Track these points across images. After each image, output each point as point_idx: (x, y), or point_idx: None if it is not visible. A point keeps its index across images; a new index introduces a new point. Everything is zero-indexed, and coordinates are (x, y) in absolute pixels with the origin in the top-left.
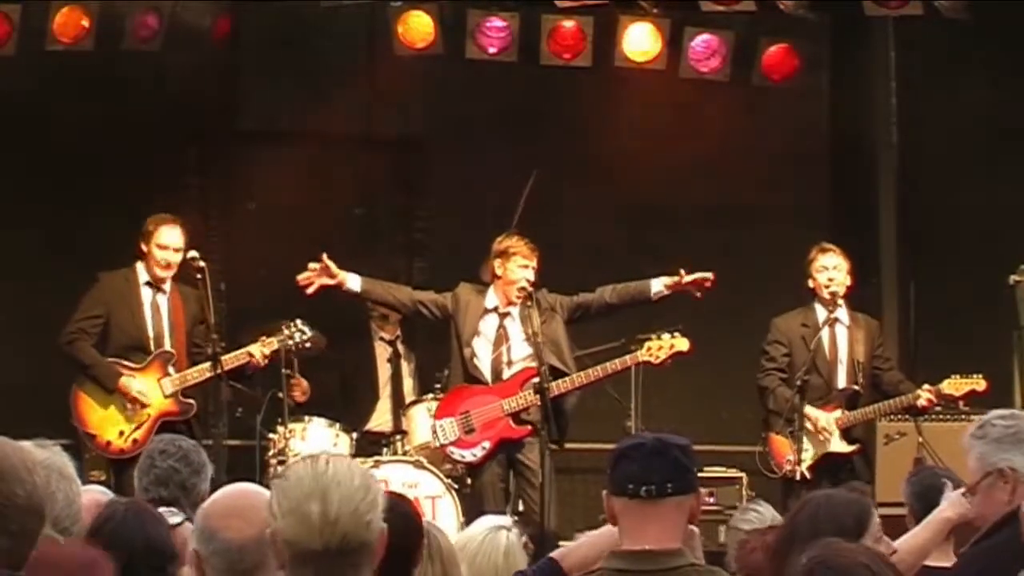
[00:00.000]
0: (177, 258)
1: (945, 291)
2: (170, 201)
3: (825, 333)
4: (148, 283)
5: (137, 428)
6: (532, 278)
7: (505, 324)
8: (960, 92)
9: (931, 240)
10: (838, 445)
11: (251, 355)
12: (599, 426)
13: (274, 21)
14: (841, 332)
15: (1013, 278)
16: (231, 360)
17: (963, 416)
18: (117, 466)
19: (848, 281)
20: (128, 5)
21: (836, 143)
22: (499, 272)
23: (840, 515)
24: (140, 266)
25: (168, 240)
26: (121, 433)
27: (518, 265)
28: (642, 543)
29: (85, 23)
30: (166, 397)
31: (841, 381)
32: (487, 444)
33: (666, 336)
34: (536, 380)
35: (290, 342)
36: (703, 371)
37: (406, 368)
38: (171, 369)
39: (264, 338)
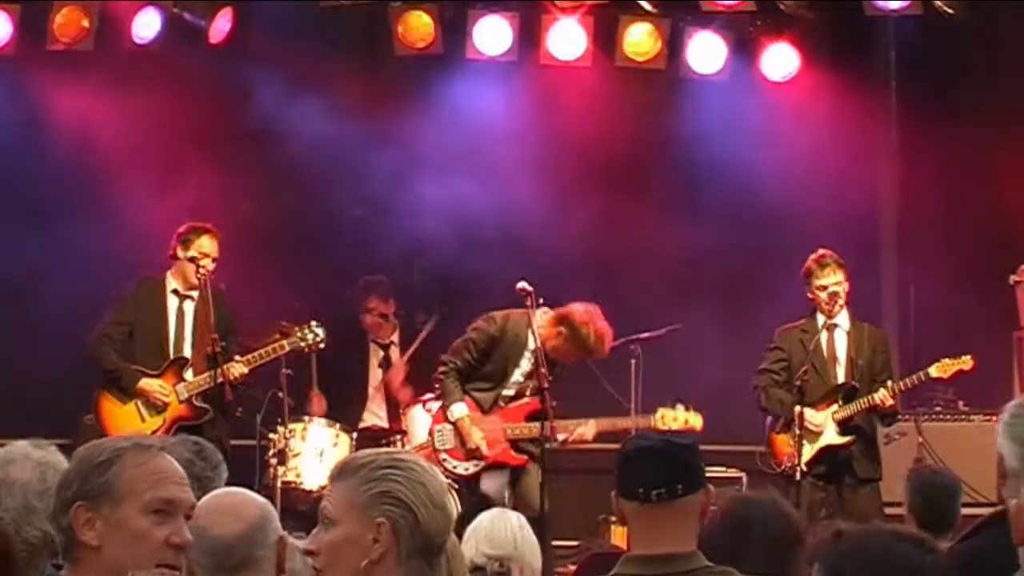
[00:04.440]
0: (213, 267)
1: (945, 292)
2: (169, 200)
3: (824, 336)
4: (175, 291)
5: (152, 433)
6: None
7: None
8: (960, 92)
9: (931, 240)
10: (833, 438)
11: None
12: None
13: (274, 21)
14: (839, 335)
15: (1013, 278)
16: (241, 365)
17: (963, 416)
18: None
19: (846, 286)
20: (128, 5)
21: (836, 143)
22: (562, 333)
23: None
24: (169, 274)
25: (209, 249)
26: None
27: (578, 348)
28: (656, 547)
29: (85, 23)
30: (180, 402)
31: (840, 379)
32: (480, 462)
33: (680, 408)
34: (538, 418)
35: (302, 344)
36: (703, 371)
37: (398, 375)
38: (187, 375)
39: (252, 354)
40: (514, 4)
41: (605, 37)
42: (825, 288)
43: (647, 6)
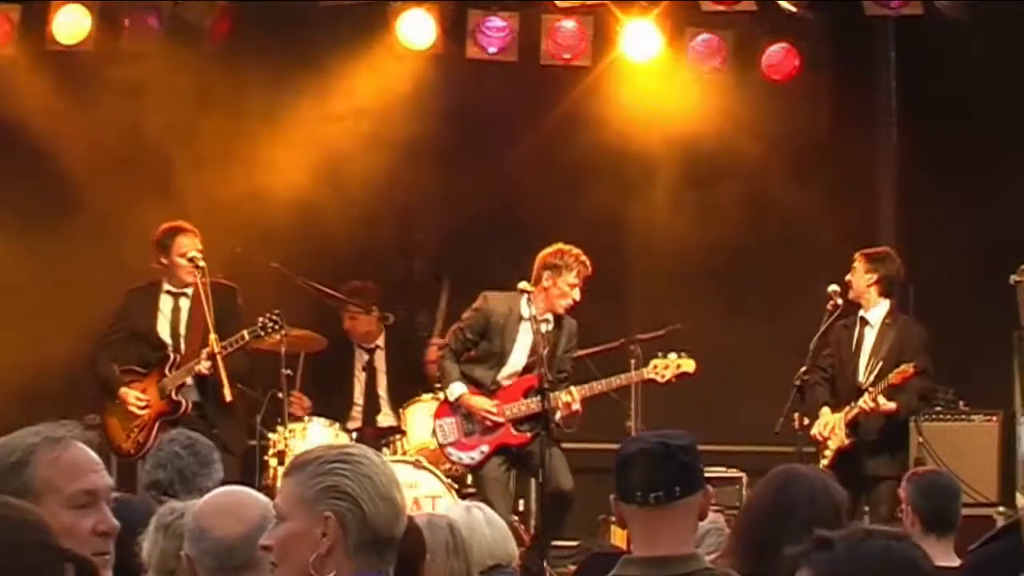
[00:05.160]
0: (199, 259)
1: (945, 291)
2: (170, 200)
3: (856, 332)
4: (169, 291)
5: (140, 430)
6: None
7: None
8: (960, 92)
9: (931, 241)
10: (841, 440)
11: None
12: (599, 426)
13: (274, 20)
14: (868, 332)
15: (1013, 278)
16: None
17: (963, 416)
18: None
19: (868, 279)
20: (128, 5)
21: (836, 143)
22: (547, 284)
23: (836, 495)
24: (162, 277)
25: (187, 248)
26: (128, 436)
27: (568, 282)
28: (655, 549)
29: (85, 23)
30: (162, 398)
31: (860, 377)
32: (485, 448)
33: (672, 356)
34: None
35: (261, 332)
36: (703, 371)
37: (380, 379)
38: (169, 371)
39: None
40: (514, 4)
41: (604, 37)
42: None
43: (647, 6)
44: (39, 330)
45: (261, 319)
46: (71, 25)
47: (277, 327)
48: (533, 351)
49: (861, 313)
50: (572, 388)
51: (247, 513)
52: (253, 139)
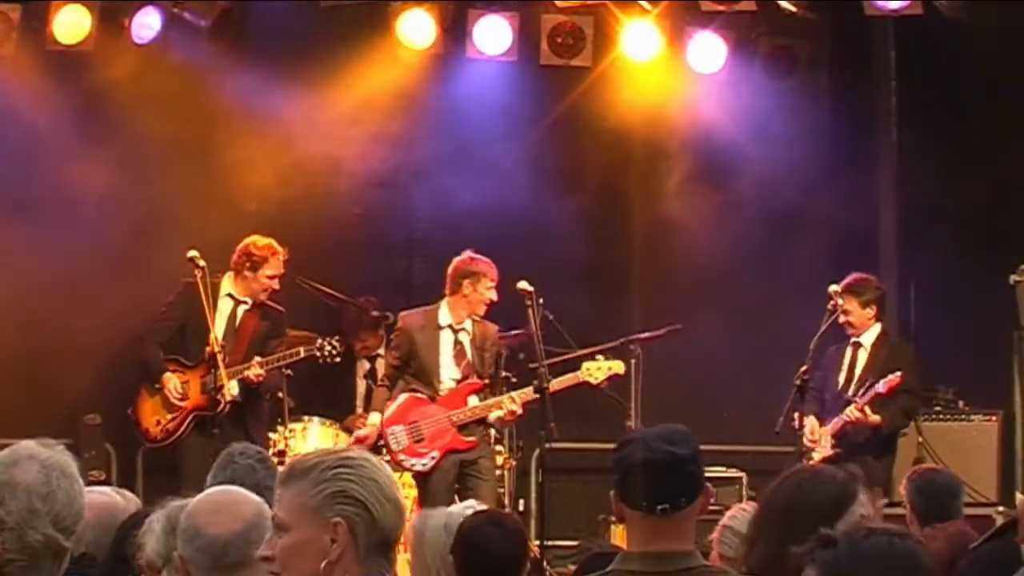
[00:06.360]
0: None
1: (945, 291)
2: (166, 197)
3: (849, 353)
4: (231, 296)
5: (172, 419)
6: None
7: (460, 339)
8: (960, 92)
9: (931, 240)
10: (825, 451)
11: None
12: (599, 426)
13: (274, 20)
14: (861, 354)
15: (1013, 278)
16: (257, 366)
17: (963, 416)
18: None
19: (868, 312)
20: (128, 5)
21: (836, 143)
22: (467, 291)
23: (820, 493)
24: (227, 280)
25: (276, 270)
26: (158, 422)
27: (486, 287)
28: (654, 546)
29: (85, 23)
30: (202, 394)
31: (851, 393)
32: (436, 454)
33: (600, 358)
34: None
35: (318, 354)
36: (703, 371)
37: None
38: (214, 369)
39: (270, 356)
40: (514, 4)
41: (604, 37)
42: (846, 313)
43: (647, 6)
44: (37, 324)
45: (320, 341)
46: (71, 25)
47: (335, 353)
48: (459, 357)
49: (854, 339)
50: (514, 394)
51: (242, 511)
52: (253, 138)
